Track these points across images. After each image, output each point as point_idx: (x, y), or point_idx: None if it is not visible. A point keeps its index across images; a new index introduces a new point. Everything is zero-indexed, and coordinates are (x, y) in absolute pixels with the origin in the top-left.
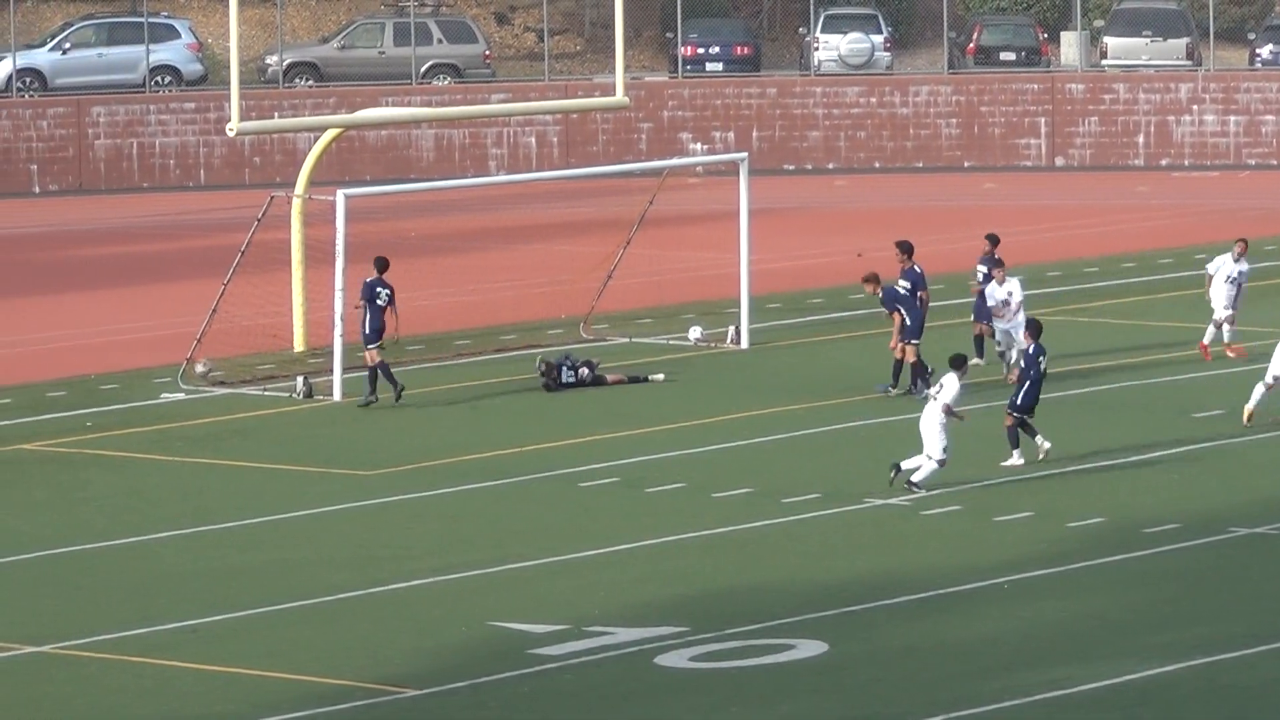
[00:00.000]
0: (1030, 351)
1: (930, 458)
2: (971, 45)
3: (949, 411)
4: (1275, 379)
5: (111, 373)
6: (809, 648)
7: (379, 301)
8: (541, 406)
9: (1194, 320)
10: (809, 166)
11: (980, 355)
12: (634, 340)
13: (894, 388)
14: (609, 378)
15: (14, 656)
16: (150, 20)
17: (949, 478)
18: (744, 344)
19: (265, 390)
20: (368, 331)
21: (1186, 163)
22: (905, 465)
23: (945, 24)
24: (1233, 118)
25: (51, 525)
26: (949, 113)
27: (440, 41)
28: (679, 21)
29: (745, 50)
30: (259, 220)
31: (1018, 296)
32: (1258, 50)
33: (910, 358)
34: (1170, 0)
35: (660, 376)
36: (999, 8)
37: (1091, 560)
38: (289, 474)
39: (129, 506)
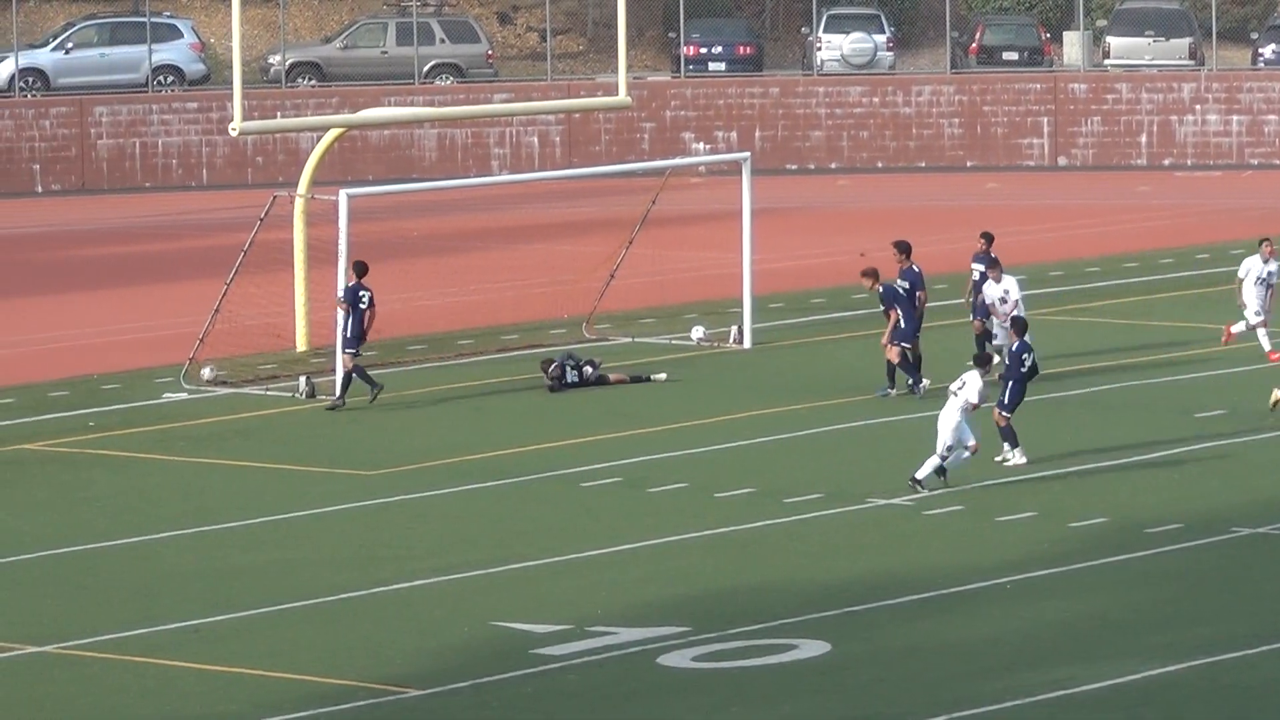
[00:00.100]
0: (1014, 349)
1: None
2: (974, 45)
3: (971, 409)
4: None
5: (113, 373)
6: (811, 648)
7: (361, 305)
8: (543, 406)
9: (1195, 320)
10: (811, 166)
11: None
12: (636, 340)
13: (893, 389)
14: (611, 377)
15: (16, 656)
16: (153, 20)
17: (951, 477)
18: (746, 344)
19: (268, 390)
20: (348, 335)
21: (1189, 162)
22: (920, 475)
23: (948, 23)
24: (1235, 117)
25: (53, 525)
26: (951, 112)
27: (443, 41)
28: (681, 22)
29: (748, 50)
30: (261, 220)
31: (1015, 294)
32: (1260, 50)
33: (894, 358)
34: (1173, 0)
35: (662, 376)
36: (1001, 7)
37: (1093, 560)
38: (291, 474)
39: (131, 506)
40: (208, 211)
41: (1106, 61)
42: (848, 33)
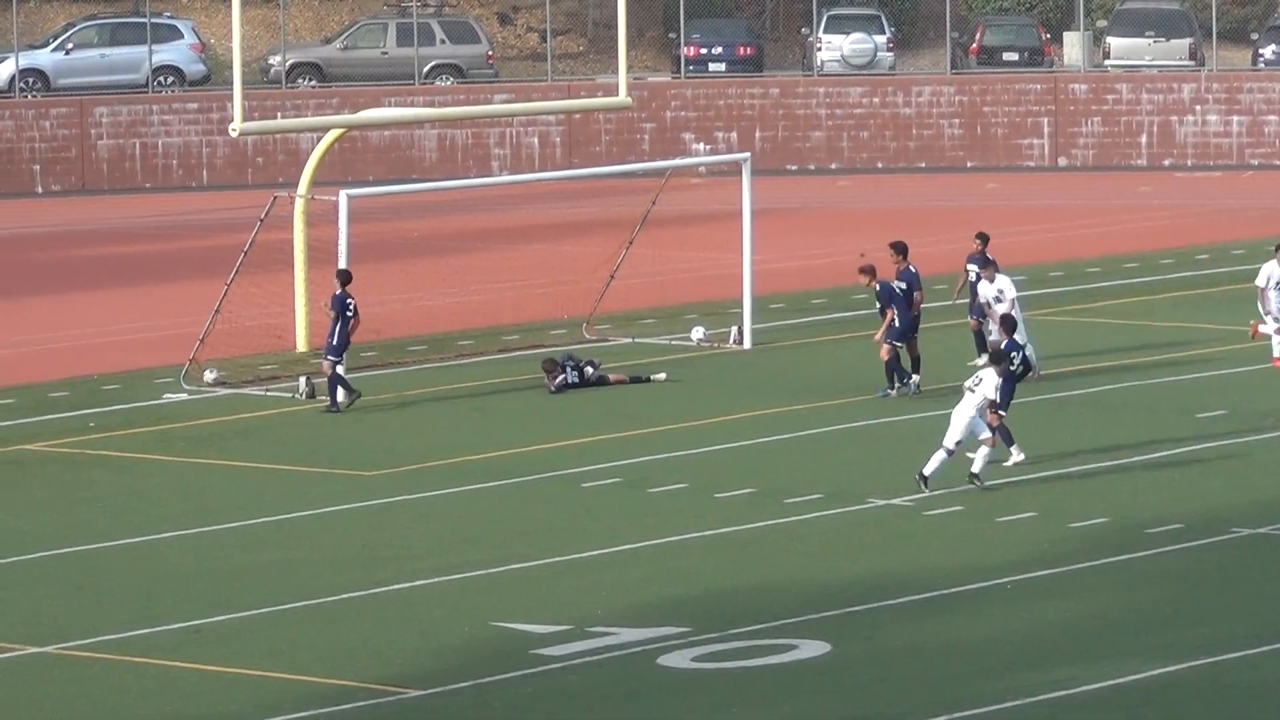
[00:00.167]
0: (1003, 347)
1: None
2: (975, 45)
3: (994, 406)
4: None
5: (113, 373)
6: (811, 648)
7: (348, 314)
8: (543, 407)
9: (1195, 320)
10: (811, 167)
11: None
12: (637, 340)
13: (893, 390)
14: (611, 377)
15: (16, 656)
16: (153, 21)
17: (951, 478)
18: (747, 344)
19: (268, 391)
20: (334, 342)
21: (1189, 163)
22: (928, 471)
23: (948, 24)
24: (1235, 118)
25: (53, 525)
26: (952, 113)
27: (443, 42)
28: (681, 22)
29: (748, 50)
30: (261, 220)
31: (1010, 294)
32: (1260, 50)
33: (884, 355)
34: (1173, 1)
35: (662, 376)
36: (1001, 8)
37: (1094, 561)
38: (292, 474)
39: (131, 507)
40: (208, 212)
41: (1107, 62)
42: (848, 33)
